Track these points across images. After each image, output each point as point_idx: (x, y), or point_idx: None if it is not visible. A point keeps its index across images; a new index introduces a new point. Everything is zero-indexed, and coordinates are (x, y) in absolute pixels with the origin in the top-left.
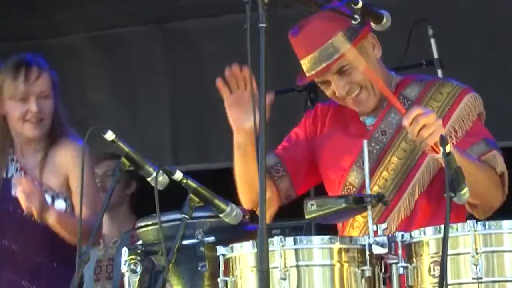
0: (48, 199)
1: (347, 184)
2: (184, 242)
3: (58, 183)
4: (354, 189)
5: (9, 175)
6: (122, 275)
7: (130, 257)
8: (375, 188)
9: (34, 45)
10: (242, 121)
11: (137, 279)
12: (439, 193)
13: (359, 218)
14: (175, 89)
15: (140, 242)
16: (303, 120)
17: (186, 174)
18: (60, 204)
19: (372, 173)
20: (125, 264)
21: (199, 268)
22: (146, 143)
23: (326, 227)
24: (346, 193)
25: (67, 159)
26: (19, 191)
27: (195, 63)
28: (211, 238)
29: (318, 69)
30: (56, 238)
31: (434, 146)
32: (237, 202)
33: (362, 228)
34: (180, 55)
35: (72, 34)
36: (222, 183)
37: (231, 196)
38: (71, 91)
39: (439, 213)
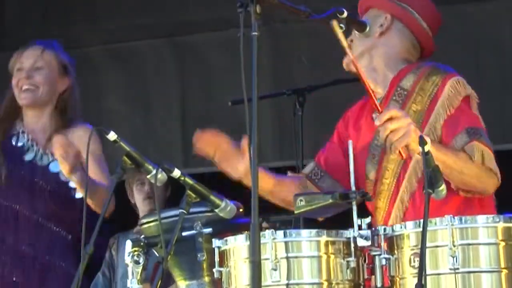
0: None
1: (367, 180)
2: (184, 234)
3: None
4: (372, 182)
5: (20, 144)
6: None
7: (134, 249)
8: (384, 180)
9: None
10: (237, 170)
11: (139, 270)
12: None
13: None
14: (185, 97)
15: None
16: (337, 124)
17: (197, 176)
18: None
19: (379, 164)
20: (128, 255)
21: (198, 258)
22: (158, 148)
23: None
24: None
25: (80, 137)
26: (56, 146)
27: (203, 73)
28: (209, 229)
29: None
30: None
31: (401, 150)
32: (239, 199)
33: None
34: (189, 65)
35: (90, 46)
36: (230, 184)
37: (238, 195)
38: (88, 98)
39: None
